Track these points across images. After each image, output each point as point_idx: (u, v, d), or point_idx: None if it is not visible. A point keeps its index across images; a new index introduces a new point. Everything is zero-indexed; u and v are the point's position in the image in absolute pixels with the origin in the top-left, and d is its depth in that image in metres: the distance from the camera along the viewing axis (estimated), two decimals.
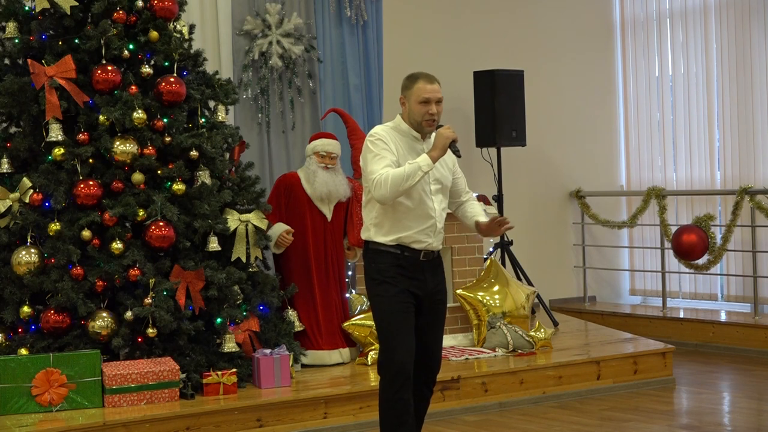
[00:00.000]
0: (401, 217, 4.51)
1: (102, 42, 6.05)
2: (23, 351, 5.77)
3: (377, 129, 4.59)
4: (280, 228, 6.64)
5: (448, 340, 7.05)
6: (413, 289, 4.52)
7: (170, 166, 6.11)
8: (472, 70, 8.60)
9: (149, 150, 6.03)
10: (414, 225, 4.52)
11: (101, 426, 5.38)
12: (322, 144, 6.80)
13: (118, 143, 5.97)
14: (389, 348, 4.46)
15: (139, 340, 5.89)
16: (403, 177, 4.38)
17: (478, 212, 4.76)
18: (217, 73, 6.64)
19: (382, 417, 4.49)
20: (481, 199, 7.63)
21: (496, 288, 7.29)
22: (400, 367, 4.43)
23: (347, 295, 7.00)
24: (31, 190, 5.92)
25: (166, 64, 6.26)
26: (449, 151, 4.65)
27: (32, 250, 5.88)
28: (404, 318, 4.48)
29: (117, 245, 5.87)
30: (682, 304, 9.36)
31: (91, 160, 6.01)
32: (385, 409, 4.47)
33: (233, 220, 6.23)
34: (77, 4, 6.07)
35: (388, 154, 4.47)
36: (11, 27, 6.13)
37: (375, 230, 4.56)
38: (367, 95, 8.14)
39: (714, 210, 9.05)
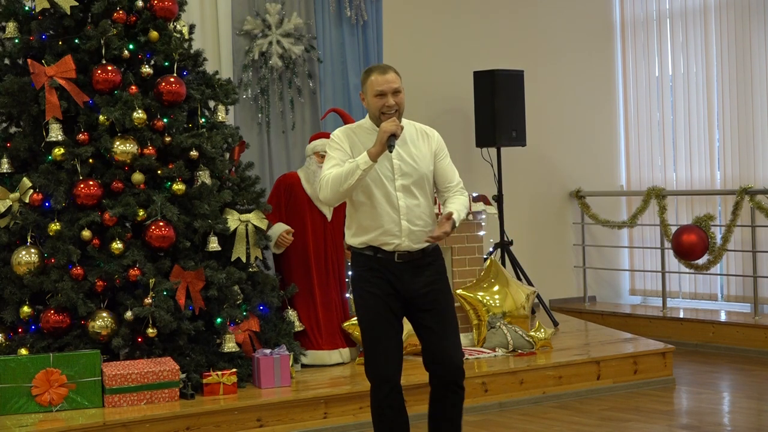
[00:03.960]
0: (365, 217, 4.37)
1: (102, 42, 6.05)
2: (23, 351, 5.77)
3: (335, 131, 4.49)
4: (280, 228, 6.64)
5: None
6: (393, 292, 4.35)
7: (170, 166, 6.11)
8: (472, 70, 8.60)
9: (149, 150, 6.03)
10: (378, 225, 4.33)
11: (101, 426, 5.38)
12: (322, 144, 6.80)
13: (118, 143, 5.97)
14: (370, 357, 4.40)
15: (139, 340, 5.89)
16: (342, 177, 4.25)
17: (452, 208, 4.36)
18: (217, 73, 6.64)
19: (373, 422, 4.48)
20: (481, 199, 7.62)
21: (496, 288, 7.29)
22: (383, 376, 4.36)
23: (347, 295, 7.00)
24: (31, 190, 5.92)
25: (166, 64, 6.26)
26: (429, 140, 4.45)
27: (32, 250, 5.88)
28: (382, 326, 4.35)
29: (117, 245, 5.87)
30: (682, 304, 9.36)
31: (91, 160, 6.01)
32: (374, 416, 4.46)
33: (233, 220, 6.23)
34: (77, 4, 6.07)
35: (338, 154, 4.35)
36: (11, 27, 6.13)
37: (348, 234, 4.47)
38: None
39: (714, 210, 9.05)
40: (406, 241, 4.35)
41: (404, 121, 4.46)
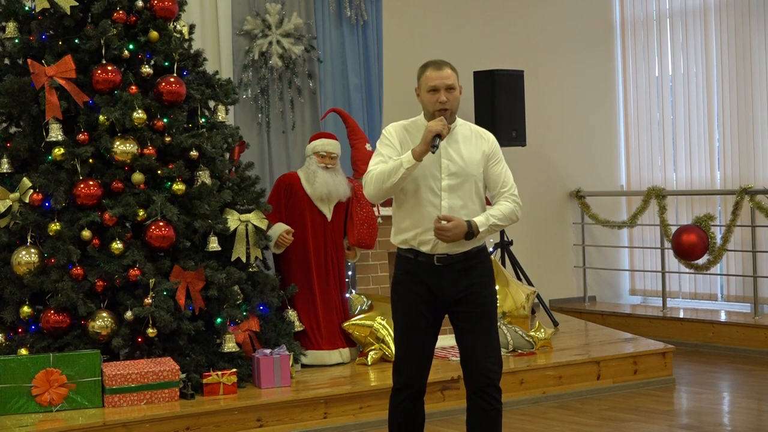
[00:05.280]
0: (407, 215, 4.28)
1: (102, 42, 6.05)
2: (23, 351, 5.76)
3: (388, 125, 4.39)
4: (280, 228, 6.63)
5: (447, 340, 7.03)
6: (431, 297, 4.26)
7: (170, 166, 6.11)
8: (472, 70, 8.60)
9: (149, 150, 6.03)
10: (418, 224, 4.23)
11: (101, 426, 5.38)
12: (322, 144, 6.80)
13: (118, 143, 5.97)
14: (398, 361, 4.35)
15: (139, 340, 5.89)
16: (385, 174, 4.14)
17: (488, 211, 4.30)
18: (217, 73, 6.63)
19: (389, 421, 4.46)
20: None
21: (496, 288, 7.28)
22: (406, 381, 4.32)
23: (347, 295, 7.00)
24: (31, 190, 5.92)
25: (166, 64, 6.26)
26: (482, 143, 4.34)
27: (32, 250, 5.87)
28: (413, 332, 4.29)
29: (117, 245, 5.87)
30: (682, 304, 9.37)
31: (91, 160, 6.00)
32: (391, 414, 4.43)
33: (233, 220, 6.23)
34: (77, 4, 6.07)
35: (386, 150, 4.26)
36: (11, 27, 6.13)
37: (393, 230, 4.38)
38: (367, 95, 8.15)
39: (714, 210, 9.05)
40: (444, 243, 4.22)
41: (460, 122, 4.36)
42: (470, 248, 4.28)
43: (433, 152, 4.14)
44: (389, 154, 4.25)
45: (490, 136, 4.43)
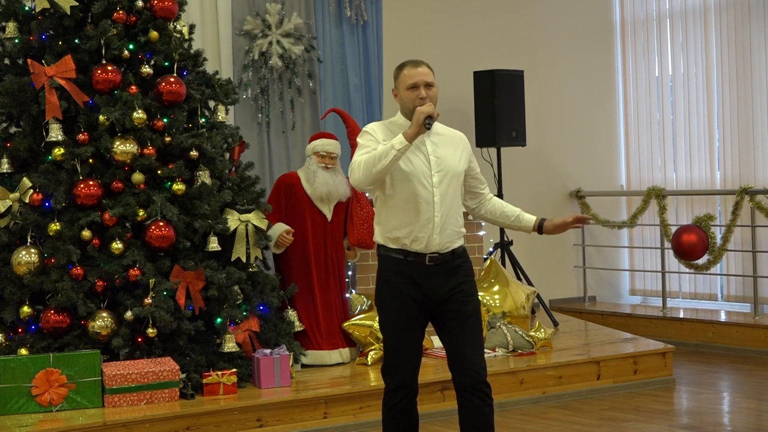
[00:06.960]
0: (397, 211, 4.27)
1: (102, 42, 6.05)
2: (23, 351, 5.77)
3: (368, 124, 4.43)
4: (280, 228, 6.64)
5: None
6: (421, 297, 4.27)
7: (170, 166, 6.11)
8: (472, 70, 8.60)
9: (149, 150, 6.03)
10: (410, 220, 4.25)
11: (101, 426, 5.38)
12: (322, 144, 6.81)
13: (118, 143, 5.97)
14: (390, 364, 4.35)
15: (139, 340, 5.89)
16: (376, 158, 4.11)
17: (516, 208, 4.60)
18: (217, 73, 6.64)
19: (383, 423, 4.45)
20: None
21: (496, 288, 7.29)
22: (399, 383, 4.32)
23: (347, 295, 7.00)
24: (31, 190, 5.92)
25: (166, 64, 6.26)
26: (460, 142, 4.41)
27: (32, 250, 5.87)
28: (405, 333, 4.30)
29: (117, 245, 5.87)
30: (682, 304, 9.37)
31: (91, 160, 6.01)
32: (386, 417, 4.42)
33: (233, 220, 6.23)
34: (77, 4, 6.07)
35: (371, 143, 4.26)
36: (11, 27, 6.13)
37: (378, 229, 4.37)
38: (367, 95, 8.14)
39: (714, 210, 9.05)
40: (438, 238, 4.25)
41: (434, 123, 4.36)
42: (456, 246, 4.34)
43: (428, 128, 4.18)
44: (374, 147, 4.24)
45: (463, 135, 4.54)
